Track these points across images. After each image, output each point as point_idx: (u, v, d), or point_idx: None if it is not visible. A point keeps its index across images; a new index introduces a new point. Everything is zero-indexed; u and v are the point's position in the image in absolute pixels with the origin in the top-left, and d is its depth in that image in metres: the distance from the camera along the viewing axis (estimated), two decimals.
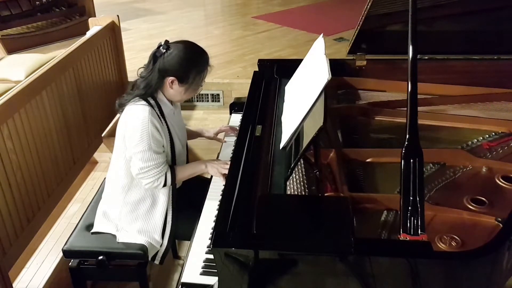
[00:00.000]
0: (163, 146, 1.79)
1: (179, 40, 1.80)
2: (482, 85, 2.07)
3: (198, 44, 1.81)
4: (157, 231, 1.86)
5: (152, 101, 1.77)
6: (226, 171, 1.78)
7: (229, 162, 1.81)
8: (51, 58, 2.43)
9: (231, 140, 2.11)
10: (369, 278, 1.18)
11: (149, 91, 1.76)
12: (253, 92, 2.11)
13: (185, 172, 1.87)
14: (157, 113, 1.77)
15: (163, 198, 1.87)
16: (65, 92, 2.39)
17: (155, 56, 1.74)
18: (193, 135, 2.23)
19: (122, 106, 1.80)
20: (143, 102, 1.74)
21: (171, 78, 1.74)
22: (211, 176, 1.90)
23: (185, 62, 1.73)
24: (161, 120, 1.78)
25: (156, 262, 1.89)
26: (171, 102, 1.85)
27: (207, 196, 1.81)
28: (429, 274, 1.20)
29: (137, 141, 1.72)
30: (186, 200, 1.93)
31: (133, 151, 1.74)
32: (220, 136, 2.22)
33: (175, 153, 1.87)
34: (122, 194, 1.86)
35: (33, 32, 4.81)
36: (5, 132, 1.87)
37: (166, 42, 1.76)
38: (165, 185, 1.80)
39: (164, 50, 1.73)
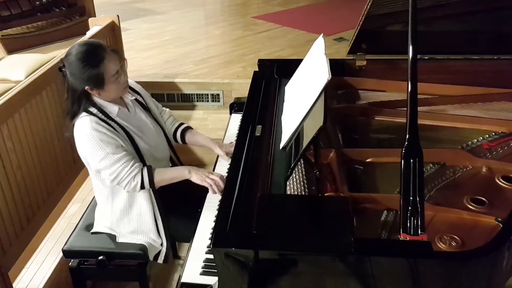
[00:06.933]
0: (122, 146, 1.73)
1: (69, 49, 1.72)
2: (482, 85, 2.07)
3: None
4: (152, 230, 1.85)
5: (92, 109, 1.73)
6: (210, 180, 1.74)
7: (214, 173, 1.81)
8: (51, 58, 2.43)
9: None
10: (369, 278, 1.18)
11: (80, 107, 1.71)
12: (253, 92, 2.11)
13: (166, 175, 1.81)
14: (101, 118, 1.72)
15: (144, 203, 1.84)
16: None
17: (63, 76, 1.71)
18: (202, 143, 2.08)
19: (70, 132, 1.75)
20: (83, 113, 1.71)
21: (86, 88, 1.69)
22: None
23: (80, 73, 1.66)
24: (108, 123, 1.72)
25: (160, 261, 1.89)
26: (126, 101, 1.82)
27: (206, 196, 1.79)
28: (429, 274, 1.20)
29: (92, 154, 1.69)
30: (185, 200, 1.92)
31: (94, 163, 1.72)
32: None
33: (140, 151, 1.81)
34: (109, 205, 1.87)
35: (33, 32, 4.80)
36: (5, 132, 1.87)
37: (62, 60, 1.72)
38: (143, 186, 1.74)
39: (63, 69, 1.69)
